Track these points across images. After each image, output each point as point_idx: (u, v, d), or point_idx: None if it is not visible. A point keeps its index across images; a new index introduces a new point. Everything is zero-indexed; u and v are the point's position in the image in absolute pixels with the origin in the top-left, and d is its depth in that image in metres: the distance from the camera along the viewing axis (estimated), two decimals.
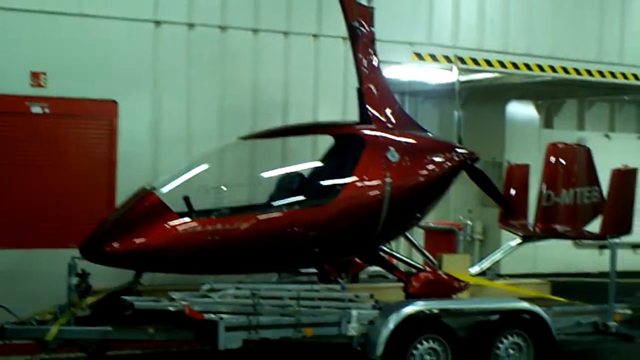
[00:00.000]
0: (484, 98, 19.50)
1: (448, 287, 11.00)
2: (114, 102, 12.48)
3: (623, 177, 11.92)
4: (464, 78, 16.36)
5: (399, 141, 11.01)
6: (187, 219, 9.95)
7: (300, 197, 10.58)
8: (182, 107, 12.88)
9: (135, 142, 12.57)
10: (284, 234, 10.27)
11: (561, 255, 19.10)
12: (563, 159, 12.47)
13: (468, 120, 19.69)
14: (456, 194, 17.35)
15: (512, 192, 13.05)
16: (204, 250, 9.94)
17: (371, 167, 10.72)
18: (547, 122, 20.98)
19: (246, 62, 13.28)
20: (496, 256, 12.56)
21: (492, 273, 13.33)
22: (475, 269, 12.31)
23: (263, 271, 11.13)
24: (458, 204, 19.03)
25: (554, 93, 19.39)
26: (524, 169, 13.23)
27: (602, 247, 18.51)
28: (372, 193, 10.64)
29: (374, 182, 10.65)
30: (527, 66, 15.81)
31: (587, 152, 12.59)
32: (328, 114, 13.40)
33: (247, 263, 10.39)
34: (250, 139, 11.42)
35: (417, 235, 14.72)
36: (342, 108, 13.58)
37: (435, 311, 10.33)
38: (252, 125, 12.85)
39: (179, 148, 12.65)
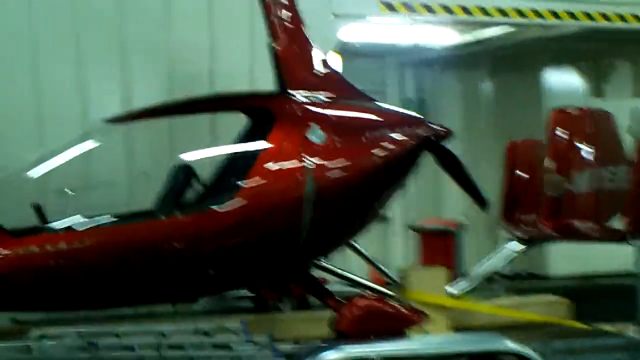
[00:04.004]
0: (513, 64, 16.28)
1: (397, 319, 7.71)
2: None
3: None
4: (466, 38, 13.27)
5: (327, 115, 8.01)
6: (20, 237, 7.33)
7: (185, 200, 7.88)
8: (71, 80, 9.87)
9: (13, 122, 9.61)
10: (162, 252, 7.47)
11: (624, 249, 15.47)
12: (574, 130, 9.11)
13: (498, 93, 16.85)
14: None
15: (520, 175, 9.99)
16: (48, 279, 7.31)
17: (282, 152, 7.79)
18: (597, 91, 17.31)
19: (155, 21, 10.22)
20: (486, 268, 9.26)
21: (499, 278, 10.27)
22: (456, 288, 9.05)
23: (138, 304, 8.18)
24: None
25: (594, 53, 15.86)
26: (533, 146, 9.99)
27: None
28: (285, 189, 7.66)
29: (287, 174, 7.69)
30: (538, 14, 12.18)
31: (609, 119, 9.18)
32: (269, 85, 10.19)
33: (111, 294, 7.67)
34: (122, 121, 8.26)
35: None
36: None
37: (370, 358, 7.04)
38: None
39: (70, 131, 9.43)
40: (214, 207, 7.55)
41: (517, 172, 10.04)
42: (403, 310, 7.84)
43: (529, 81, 16.54)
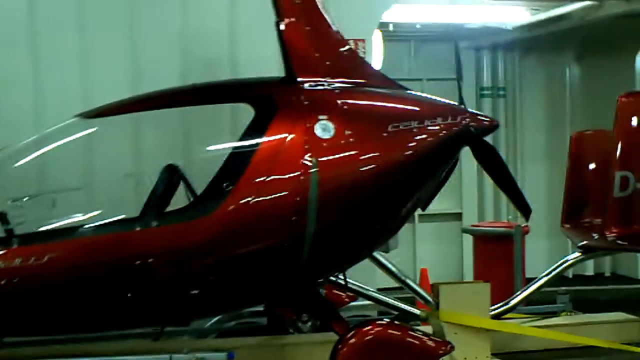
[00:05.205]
0: (603, 47, 14.76)
1: (412, 350, 6.48)
2: None
3: None
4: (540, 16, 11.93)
5: (340, 106, 6.81)
6: None
7: (166, 207, 6.83)
8: (74, 75, 8.89)
9: (17, 129, 8.58)
10: (141, 267, 6.38)
11: None
12: None
13: (584, 80, 15.29)
14: None
15: (585, 172, 8.70)
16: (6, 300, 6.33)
17: (282, 149, 6.61)
18: None
19: (169, 4, 9.20)
20: (537, 283, 7.90)
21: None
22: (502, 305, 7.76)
23: (117, 328, 7.12)
24: None
25: None
26: (602, 138, 8.62)
27: None
28: (284, 193, 6.49)
29: (287, 175, 6.52)
30: None
31: None
32: None
33: (69, 320, 6.59)
34: (99, 116, 7.13)
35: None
36: None
37: None
38: None
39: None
40: (202, 215, 6.47)
41: (582, 168, 8.63)
42: (423, 339, 6.60)
43: (620, 66, 14.88)
